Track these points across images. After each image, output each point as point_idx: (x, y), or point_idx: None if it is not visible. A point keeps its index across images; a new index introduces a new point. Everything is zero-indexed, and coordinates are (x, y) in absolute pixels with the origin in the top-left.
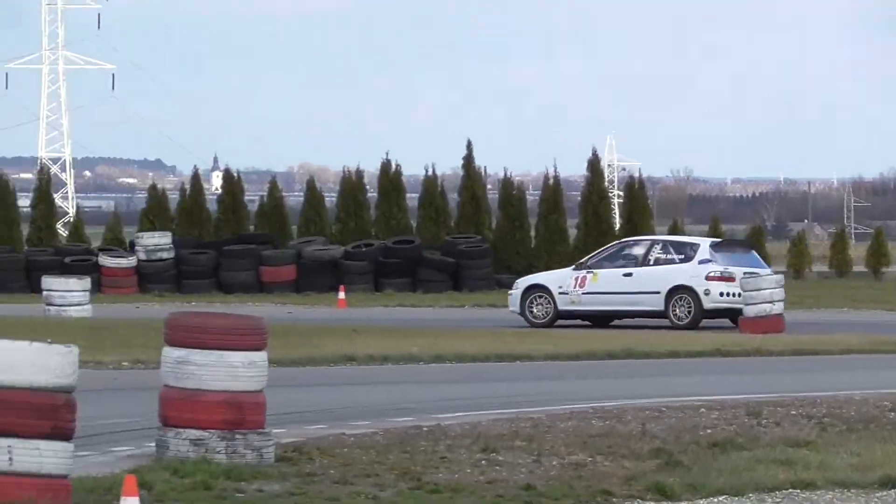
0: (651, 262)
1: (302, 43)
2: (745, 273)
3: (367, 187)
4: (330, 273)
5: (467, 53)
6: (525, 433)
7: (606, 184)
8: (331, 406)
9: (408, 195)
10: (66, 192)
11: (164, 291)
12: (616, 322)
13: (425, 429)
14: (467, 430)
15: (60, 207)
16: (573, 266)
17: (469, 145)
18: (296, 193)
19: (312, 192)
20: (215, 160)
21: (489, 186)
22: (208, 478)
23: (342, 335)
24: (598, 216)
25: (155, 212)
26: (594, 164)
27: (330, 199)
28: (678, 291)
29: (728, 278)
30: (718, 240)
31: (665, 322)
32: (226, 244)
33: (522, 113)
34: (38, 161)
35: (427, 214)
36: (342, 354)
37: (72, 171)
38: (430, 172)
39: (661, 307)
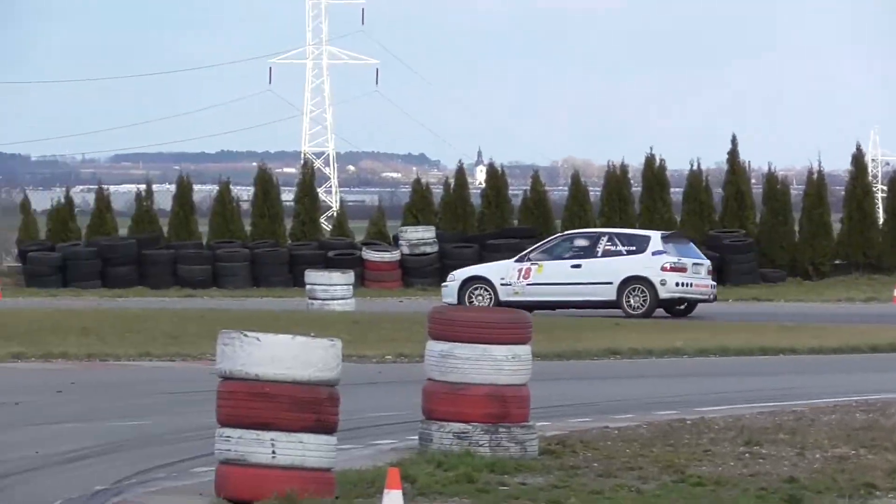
0: (599, 254)
1: (564, 37)
2: (693, 263)
3: (631, 182)
4: None
5: (730, 49)
6: (788, 426)
7: (870, 178)
8: (594, 399)
9: (672, 190)
10: (330, 187)
11: (427, 285)
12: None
13: (689, 422)
14: (730, 423)
15: (324, 202)
16: (514, 258)
17: (734, 140)
18: (560, 188)
19: (577, 186)
20: (479, 154)
21: (753, 181)
22: (471, 471)
23: (606, 329)
24: (863, 211)
25: (419, 206)
26: (858, 159)
27: (594, 193)
28: (632, 282)
29: (681, 269)
30: (667, 232)
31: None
32: (489, 238)
33: (786, 107)
34: (302, 155)
35: (691, 209)
36: (606, 348)
37: (335, 165)
38: (694, 167)
39: (613, 297)
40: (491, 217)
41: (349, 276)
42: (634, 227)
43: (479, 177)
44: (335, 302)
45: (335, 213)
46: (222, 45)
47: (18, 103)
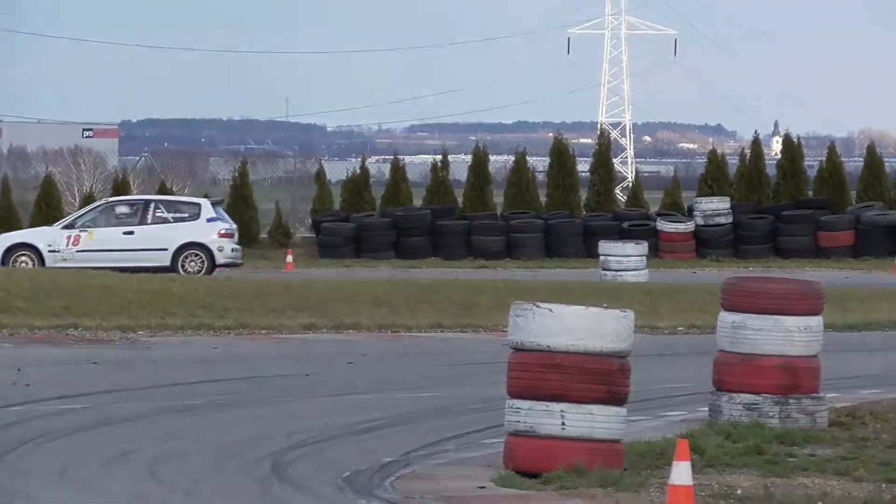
0: (150, 221)
1: (860, 5)
2: (235, 229)
3: None
4: (888, 238)
5: None
6: None
7: None
8: (885, 371)
9: None
10: (626, 158)
11: (720, 256)
12: None
13: None
14: None
15: (619, 172)
16: (60, 225)
17: None
18: (855, 158)
19: (872, 157)
20: (776, 125)
21: None
22: (760, 442)
23: None
24: None
25: (714, 176)
26: None
27: (890, 163)
28: (189, 248)
29: (231, 235)
30: (214, 199)
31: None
32: (784, 209)
33: None
34: (599, 126)
35: None
36: None
37: (632, 136)
38: None
39: (167, 263)
40: (786, 188)
41: (643, 247)
42: None
43: (775, 147)
44: (628, 273)
45: (630, 184)
46: (520, 14)
47: (315, 74)
